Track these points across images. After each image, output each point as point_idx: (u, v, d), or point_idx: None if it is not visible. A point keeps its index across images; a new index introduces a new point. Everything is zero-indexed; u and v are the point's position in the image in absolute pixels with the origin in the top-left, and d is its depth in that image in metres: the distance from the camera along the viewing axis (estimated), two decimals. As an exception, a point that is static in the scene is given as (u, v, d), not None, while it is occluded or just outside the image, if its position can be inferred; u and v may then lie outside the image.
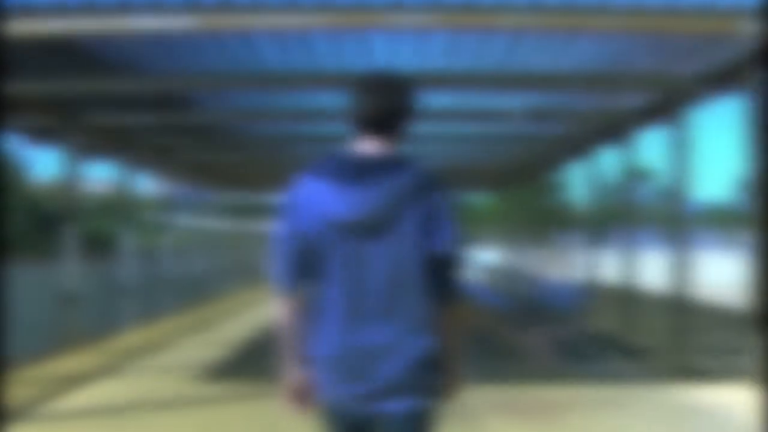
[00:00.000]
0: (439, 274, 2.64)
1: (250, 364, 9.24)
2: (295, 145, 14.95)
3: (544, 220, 21.66)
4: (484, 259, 28.59)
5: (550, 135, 13.14)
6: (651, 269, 12.16)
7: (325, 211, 2.59)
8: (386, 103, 2.69)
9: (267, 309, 13.57)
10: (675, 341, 8.93)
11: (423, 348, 2.61)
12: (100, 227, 28.53)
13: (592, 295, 13.49)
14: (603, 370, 8.93)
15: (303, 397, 2.75)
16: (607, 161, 12.70)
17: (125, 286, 13.31)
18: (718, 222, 50.56)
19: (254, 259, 23.32)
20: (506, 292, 20.97)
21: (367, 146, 2.69)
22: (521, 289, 20.31)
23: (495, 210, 37.87)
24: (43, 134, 11.72)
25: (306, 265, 2.66)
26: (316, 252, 2.62)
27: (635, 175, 13.13)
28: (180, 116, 11.37)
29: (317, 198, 2.61)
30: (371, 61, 8.60)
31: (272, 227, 2.77)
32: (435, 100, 10.23)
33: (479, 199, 43.24)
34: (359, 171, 2.62)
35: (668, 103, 9.55)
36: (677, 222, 9.53)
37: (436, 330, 2.65)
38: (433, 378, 2.67)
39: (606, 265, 13.41)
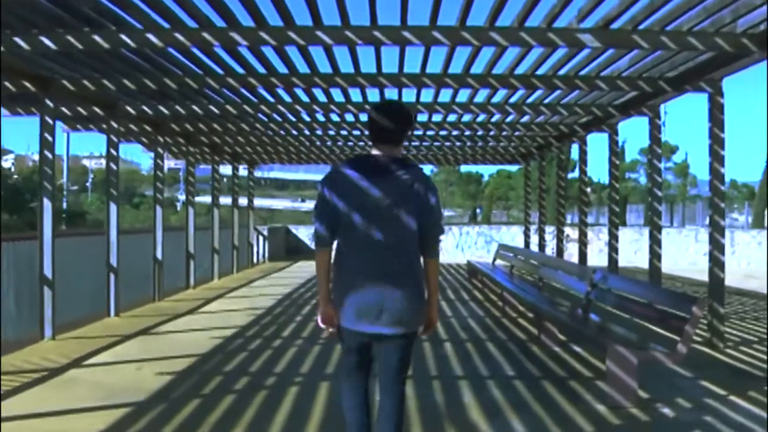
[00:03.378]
0: (426, 237, 3.94)
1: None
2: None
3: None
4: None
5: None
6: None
7: (352, 193, 3.87)
8: (394, 123, 3.99)
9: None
10: None
11: (417, 294, 3.91)
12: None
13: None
14: None
15: (330, 320, 3.99)
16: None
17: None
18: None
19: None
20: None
21: (381, 152, 3.97)
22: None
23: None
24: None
25: (335, 230, 3.91)
26: (340, 223, 3.88)
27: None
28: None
29: (347, 185, 3.88)
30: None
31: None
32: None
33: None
34: (377, 168, 3.91)
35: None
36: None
37: (423, 281, 3.97)
38: (421, 313, 3.97)
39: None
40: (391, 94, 11.37)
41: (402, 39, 7.59)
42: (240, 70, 9.63)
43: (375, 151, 3.99)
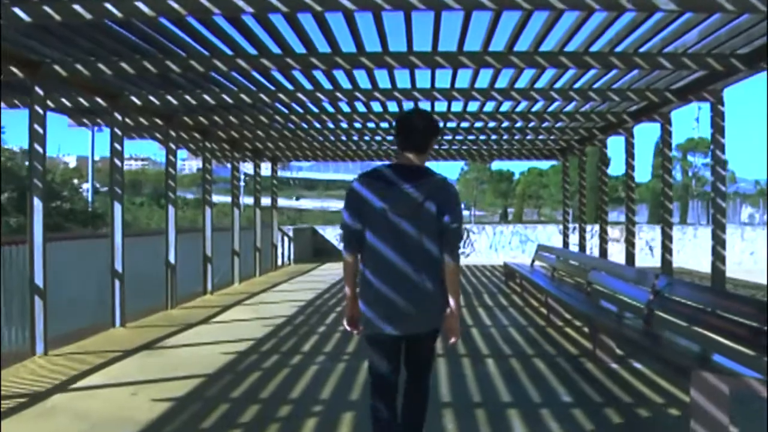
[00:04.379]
0: (447, 242, 3.98)
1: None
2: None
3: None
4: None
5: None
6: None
7: (378, 199, 3.95)
8: (420, 132, 4.08)
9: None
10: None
11: (439, 294, 4.01)
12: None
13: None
14: None
15: (355, 323, 4.14)
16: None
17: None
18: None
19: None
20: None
21: (408, 160, 4.08)
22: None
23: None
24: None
25: (361, 237, 4.00)
26: (371, 219, 3.96)
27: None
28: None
29: (374, 190, 3.97)
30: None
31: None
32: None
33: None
34: (403, 175, 4.00)
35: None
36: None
37: (444, 280, 4.02)
38: (442, 313, 4.06)
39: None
40: (423, 78, 10.43)
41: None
42: (252, 51, 8.63)
43: (402, 157, 4.12)
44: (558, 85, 10.67)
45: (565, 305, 9.93)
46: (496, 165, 74.08)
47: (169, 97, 10.52)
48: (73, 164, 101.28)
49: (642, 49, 8.79)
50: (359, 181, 4.05)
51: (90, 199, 48.08)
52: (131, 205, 74.10)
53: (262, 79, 10.30)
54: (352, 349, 8.52)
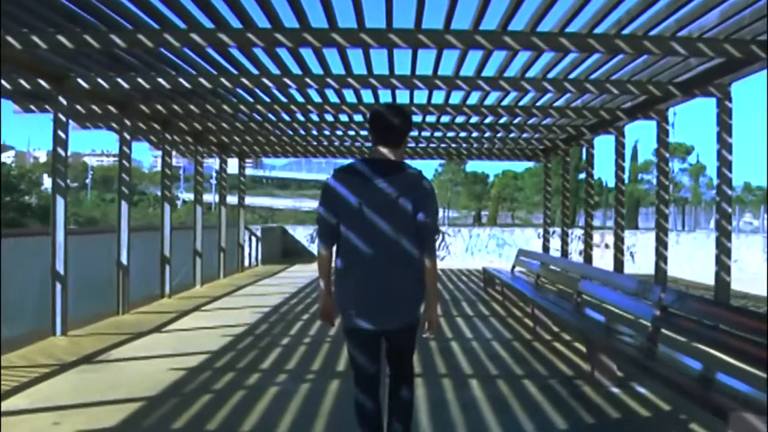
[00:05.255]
0: (423, 237, 4.03)
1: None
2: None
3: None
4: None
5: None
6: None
7: (354, 194, 3.98)
8: (395, 127, 4.10)
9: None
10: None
11: (414, 289, 4.06)
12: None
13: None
14: None
15: (329, 316, 4.22)
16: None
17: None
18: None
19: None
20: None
21: (382, 155, 4.12)
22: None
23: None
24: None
25: (336, 231, 4.04)
26: (345, 216, 3.99)
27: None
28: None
29: (349, 186, 4.00)
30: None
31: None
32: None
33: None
34: (377, 170, 4.02)
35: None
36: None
37: (422, 275, 4.06)
38: (419, 307, 4.09)
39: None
40: (403, 64, 9.81)
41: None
42: (209, 24, 7.65)
43: (377, 152, 4.12)
44: (552, 75, 10.12)
45: (554, 317, 9.07)
46: (471, 166, 73.51)
47: (120, 80, 9.47)
48: (43, 159, 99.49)
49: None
50: (334, 177, 4.09)
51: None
52: (102, 201, 72.98)
53: (222, 61, 9.30)
54: (319, 366, 7.56)
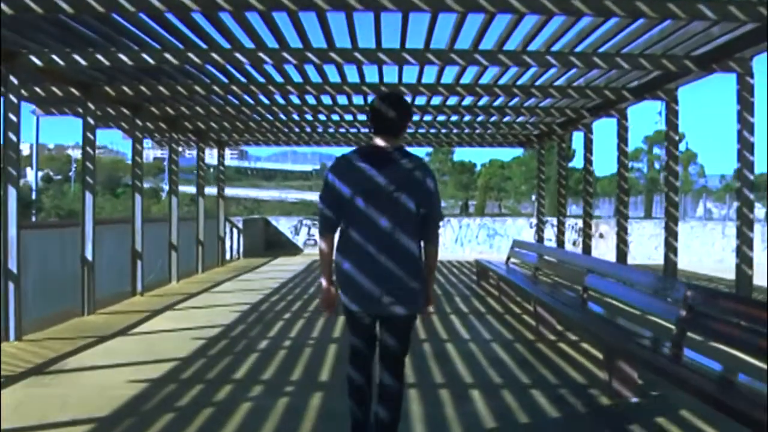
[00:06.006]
0: (426, 226, 4.10)
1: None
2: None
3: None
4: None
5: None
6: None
7: (356, 181, 4.02)
8: (395, 115, 4.11)
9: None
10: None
11: (417, 277, 4.07)
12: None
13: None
14: None
15: (331, 303, 4.26)
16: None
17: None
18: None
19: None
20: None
21: (382, 142, 4.12)
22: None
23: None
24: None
25: (339, 216, 4.09)
26: (345, 208, 4.05)
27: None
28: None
29: (351, 172, 4.04)
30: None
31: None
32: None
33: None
34: (379, 156, 4.07)
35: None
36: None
37: (421, 266, 4.14)
38: (415, 299, 4.10)
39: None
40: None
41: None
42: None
43: (377, 141, 4.13)
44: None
45: (559, 315, 8.25)
46: (459, 155, 72.78)
47: (77, 57, 8.53)
48: (26, 152, 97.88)
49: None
50: (334, 167, 4.15)
51: (34, 187, 45.90)
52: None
53: (190, 34, 8.43)
54: (298, 376, 6.69)
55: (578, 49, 9.27)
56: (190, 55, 8.51)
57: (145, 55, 8.52)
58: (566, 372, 6.92)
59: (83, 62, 8.69)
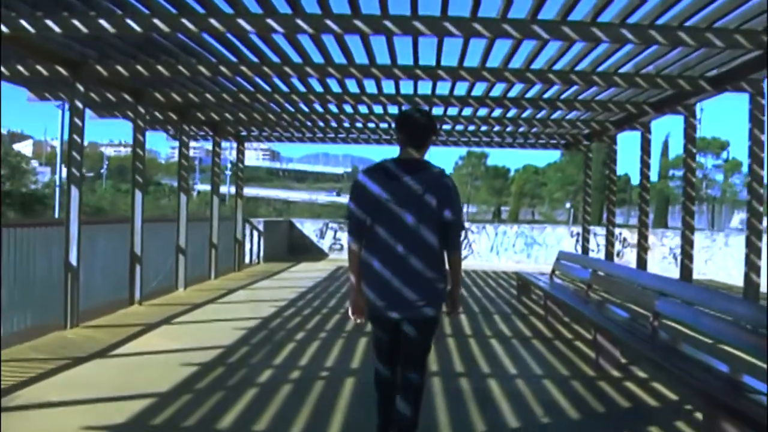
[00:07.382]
0: (448, 234, 4.21)
1: None
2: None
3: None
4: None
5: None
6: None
7: (382, 190, 4.18)
8: (421, 130, 4.34)
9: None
10: None
11: (437, 281, 4.19)
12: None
13: None
14: None
15: (360, 311, 4.36)
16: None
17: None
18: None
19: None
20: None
21: (409, 154, 4.32)
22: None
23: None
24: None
25: (364, 228, 4.22)
26: (373, 207, 4.19)
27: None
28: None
29: (377, 183, 4.21)
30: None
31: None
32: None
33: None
34: (404, 168, 4.23)
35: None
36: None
37: (445, 269, 4.25)
38: (438, 303, 4.24)
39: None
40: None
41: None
42: None
43: (405, 153, 4.33)
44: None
45: (624, 346, 6.77)
46: (492, 160, 71.41)
47: (54, 25, 7.16)
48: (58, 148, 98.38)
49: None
50: (364, 174, 4.34)
51: (57, 182, 45.54)
52: (117, 191, 72.32)
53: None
54: (302, 426, 5.22)
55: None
56: (184, 20, 7.18)
57: (130, 22, 7.17)
58: (643, 427, 5.40)
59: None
